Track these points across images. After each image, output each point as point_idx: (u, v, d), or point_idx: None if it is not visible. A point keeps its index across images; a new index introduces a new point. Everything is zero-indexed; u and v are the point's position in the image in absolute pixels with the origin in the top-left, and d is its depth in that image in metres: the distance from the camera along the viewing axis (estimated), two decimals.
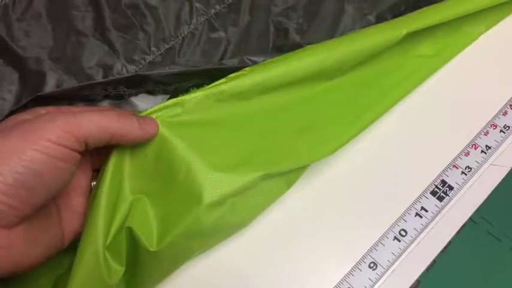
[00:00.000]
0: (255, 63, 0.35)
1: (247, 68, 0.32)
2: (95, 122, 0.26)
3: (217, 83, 0.32)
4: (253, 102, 0.33)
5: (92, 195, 0.30)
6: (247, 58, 0.35)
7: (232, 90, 0.32)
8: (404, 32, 0.35)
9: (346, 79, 0.36)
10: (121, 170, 0.30)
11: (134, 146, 0.30)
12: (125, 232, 0.29)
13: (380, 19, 0.39)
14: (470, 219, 0.36)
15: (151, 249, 0.29)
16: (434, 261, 0.35)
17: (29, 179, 0.24)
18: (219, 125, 0.32)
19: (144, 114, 0.30)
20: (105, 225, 0.29)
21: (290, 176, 0.34)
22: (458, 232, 0.36)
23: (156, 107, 0.30)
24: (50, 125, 0.25)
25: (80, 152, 0.26)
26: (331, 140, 0.34)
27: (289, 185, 0.34)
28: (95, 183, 0.31)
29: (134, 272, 0.31)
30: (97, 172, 0.31)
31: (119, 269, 0.29)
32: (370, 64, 0.37)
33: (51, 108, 0.29)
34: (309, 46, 0.35)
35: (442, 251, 0.35)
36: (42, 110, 0.28)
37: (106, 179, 0.29)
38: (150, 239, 0.29)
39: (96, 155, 0.31)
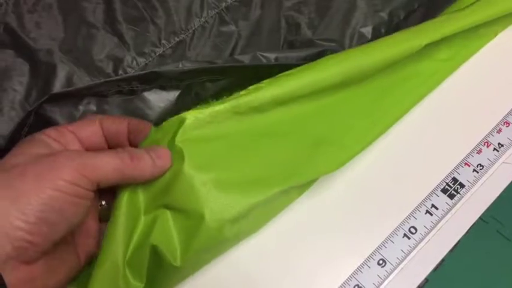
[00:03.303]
0: (267, 59, 0.35)
1: (265, 81, 0.32)
2: (110, 165, 0.27)
3: (236, 95, 0.32)
4: (269, 114, 0.33)
5: (112, 211, 0.30)
6: (260, 54, 0.35)
7: (251, 104, 0.32)
8: (423, 43, 0.35)
9: (362, 87, 0.36)
10: (139, 185, 0.30)
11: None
12: (149, 250, 0.29)
13: (392, 16, 0.38)
14: (480, 218, 0.36)
15: (176, 265, 0.29)
16: (443, 260, 0.35)
17: (51, 215, 0.25)
18: (238, 138, 0.32)
19: (160, 129, 0.31)
20: (125, 241, 0.29)
21: (304, 185, 0.35)
22: (467, 231, 0.35)
23: (174, 119, 0.31)
24: (65, 166, 0.26)
25: (93, 191, 0.27)
26: (348, 149, 0.34)
27: (301, 192, 0.35)
28: (103, 202, 0.32)
29: (153, 286, 0.31)
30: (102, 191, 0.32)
31: (137, 285, 0.30)
32: (386, 71, 0.37)
33: (62, 139, 0.29)
34: (326, 57, 0.34)
35: (451, 250, 0.35)
36: (54, 143, 0.28)
37: (124, 194, 0.29)
38: (174, 255, 0.29)
39: None
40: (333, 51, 0.35)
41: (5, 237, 0.24)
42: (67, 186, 0.25)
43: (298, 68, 0.33)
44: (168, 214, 0.30)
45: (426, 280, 0.35)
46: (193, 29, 0.39)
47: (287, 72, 0.33)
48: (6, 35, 0.35)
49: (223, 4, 0.39)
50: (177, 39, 0.38)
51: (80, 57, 0.36)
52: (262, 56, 0.35)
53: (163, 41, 0.38)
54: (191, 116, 0.30)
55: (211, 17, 0.39)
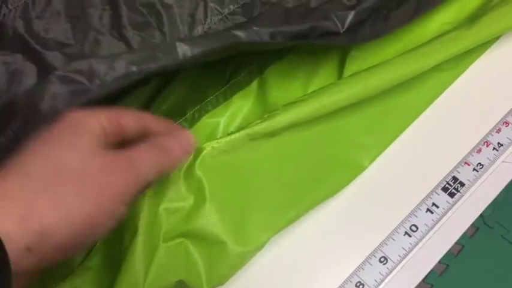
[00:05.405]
0: (263, 33, 0.33)
1: (280, 107, 0.34)
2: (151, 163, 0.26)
3: (252, 123, 0.33)
4: (280, 137, 0.35)
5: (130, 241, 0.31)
6: (255, 28, 0.33)
7: (266, 130, 0.33)
8: (431, 64, 0.36)
9: (367, 105, 0.37)
10: (156, 213, 0.31)
11: (170, 188, 0.32)
12: (175, 285, 0.30)
13: None
14: (485, 223, 0.36)
15: None
16: (447, 265, 0.35)
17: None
18: (253, 164, 0.34)
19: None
20: (144, 269, 0.30)
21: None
22: (472, 235, 0.36)
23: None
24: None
25: None
26: (357, 167, 0.36)
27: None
28: None
29: None
30: None
31: None
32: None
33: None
34: (338, 81, 0.35)
35: (456, 255, 0.35)
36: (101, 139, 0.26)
37: (141, 224, 0.30)
38: (199, 285, 0.31)
39: None
40: (327, 28, 0.34)
41: None
42: None
43: (311, 93, 0.34)
44: (188, 240, 0.32)
45: (431, 285, 0.36)
46: (197, 35, 0.39)
47: (300, 98, 0.34)
48: (15, 39, 0.36)
49: (226, 10, 0.40)
50: None
51: None
52: (258, 31, 0.33)
53: None
54: (208, 146, 0.32)
55: (215, 23, 0.40)
